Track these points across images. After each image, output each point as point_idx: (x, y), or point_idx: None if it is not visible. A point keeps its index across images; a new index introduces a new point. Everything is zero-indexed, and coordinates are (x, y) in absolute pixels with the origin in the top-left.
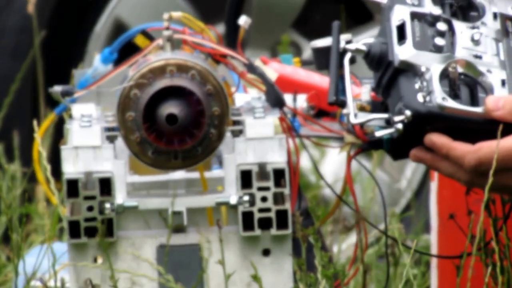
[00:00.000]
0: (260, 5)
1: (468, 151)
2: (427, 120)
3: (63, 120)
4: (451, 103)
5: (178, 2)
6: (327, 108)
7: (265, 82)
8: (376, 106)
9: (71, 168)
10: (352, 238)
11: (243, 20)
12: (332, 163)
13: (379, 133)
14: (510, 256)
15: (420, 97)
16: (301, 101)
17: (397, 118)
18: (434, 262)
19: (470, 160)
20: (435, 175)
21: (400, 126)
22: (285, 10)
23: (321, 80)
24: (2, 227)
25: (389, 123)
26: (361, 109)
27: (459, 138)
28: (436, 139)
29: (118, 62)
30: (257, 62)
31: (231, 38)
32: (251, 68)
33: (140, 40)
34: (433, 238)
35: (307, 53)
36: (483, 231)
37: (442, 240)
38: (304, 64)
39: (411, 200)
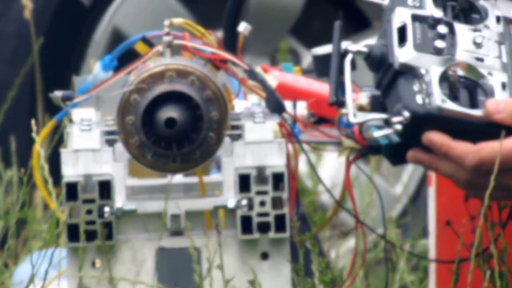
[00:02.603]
0: (257, 11)
1: (469, 151)
2: (426, 122)
3: (60, 129)
4: (450, 105)
5: (176, 11)
6: (327, 115)
7: (265, 88)
8: (375, 106)
9: (70, 171)
10: (350, 243)
11: (243, 27)
12: (329, 168)
13: (377, 134)
14: (508, 262)
15: (419, 99)
16: (301, 108)
17: (395, 119)
18: (432, 268)
19: (472, 160)
20: (433, 180)
21: (399, 127)
22: (283, 16)
23: (321, 88)
24: None
25: (387, 123)
26: (360, 109)
27: (457, 140)
28: (435, 137)
29: (118, 69)
30: (258, 70)
31: (230, 44)
32: (252, 74)
33: (140, 47)
34: (431, 243)
35: (305, 61)
36: (480, 236)
37: (440, 245)
38: (305, 72)
39: (408, 205)
